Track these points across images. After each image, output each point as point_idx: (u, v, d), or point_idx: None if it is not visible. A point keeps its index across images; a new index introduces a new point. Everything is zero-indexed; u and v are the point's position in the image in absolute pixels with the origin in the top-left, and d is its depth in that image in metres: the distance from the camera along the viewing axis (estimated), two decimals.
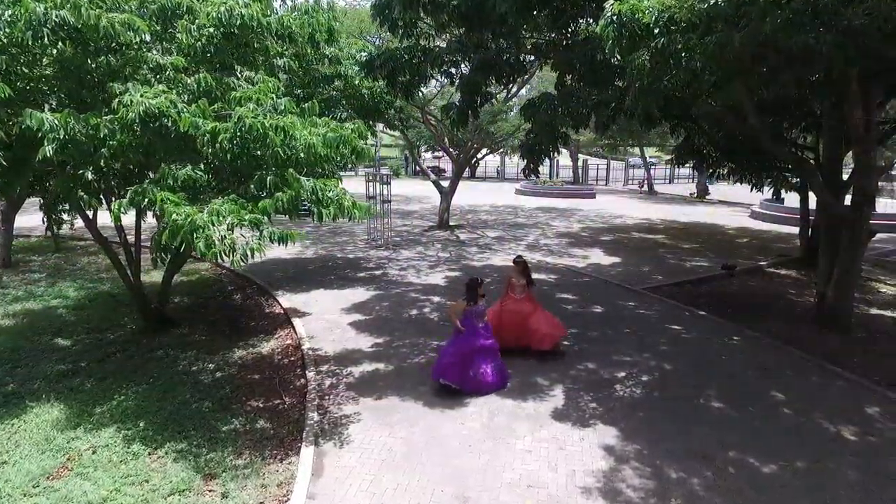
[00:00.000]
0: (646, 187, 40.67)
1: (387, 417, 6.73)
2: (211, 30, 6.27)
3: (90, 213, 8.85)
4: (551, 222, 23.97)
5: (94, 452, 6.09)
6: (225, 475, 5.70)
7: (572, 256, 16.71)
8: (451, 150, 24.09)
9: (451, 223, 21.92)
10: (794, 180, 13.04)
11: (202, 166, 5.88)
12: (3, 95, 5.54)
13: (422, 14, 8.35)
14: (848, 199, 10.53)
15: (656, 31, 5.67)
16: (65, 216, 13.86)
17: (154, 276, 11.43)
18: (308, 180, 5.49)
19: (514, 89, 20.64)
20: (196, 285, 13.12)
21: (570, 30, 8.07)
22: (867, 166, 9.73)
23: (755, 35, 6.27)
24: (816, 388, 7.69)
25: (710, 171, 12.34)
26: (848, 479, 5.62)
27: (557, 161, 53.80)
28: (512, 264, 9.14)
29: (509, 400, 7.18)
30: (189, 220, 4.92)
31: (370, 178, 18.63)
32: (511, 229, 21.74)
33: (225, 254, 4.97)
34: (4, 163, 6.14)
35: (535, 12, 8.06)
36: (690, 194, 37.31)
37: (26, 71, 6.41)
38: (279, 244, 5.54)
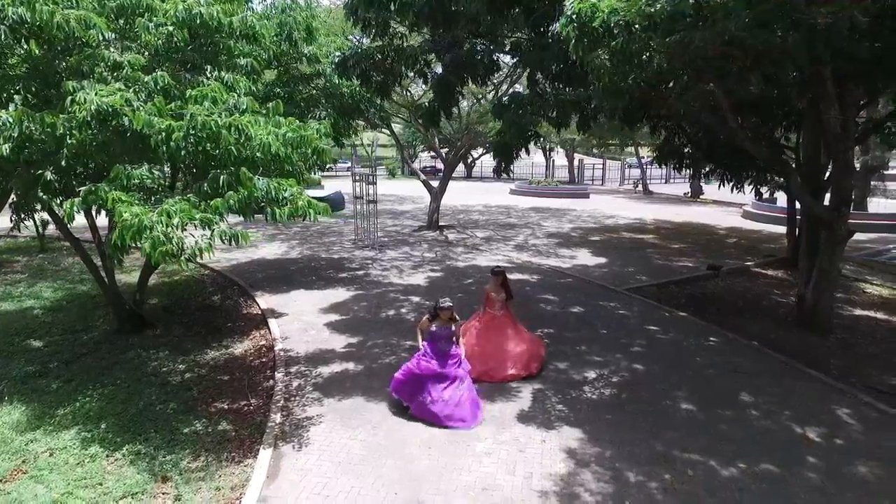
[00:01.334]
0: (640, 187, 40.65)
1: (350, 419, 6.67)
2: (171, 28, 6.21)
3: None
4: (542, 222, 23.92)
5: (50, 455, 6.03)
6: (179, 478, 5.65)
7: (559, 257, 16.65)
8: (441, 149, 24.07)
9: (440, 223, 21.84)
10: (779, 180, 12.98)
11: (161, 167, 5.82)
12: None
13: (391, 13, 8.28)
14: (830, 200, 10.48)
15: (616, 31, 5.61)
16: (36, 216, 13.86)
17: (133, 277, 11.38)
18: (262, 180, 5.43)
19: (505, 87, 20.56)
20: (177, 286, 13.06)
21: (542, 29, 8.01)
22: (844, 167, 9.66)
23: (719, 34, 6.22)
24: (788, 391, 7.62)
25: (692, 171, 12.24)
26: (808, 482, 5.55)
27: (554, 161, 54.00)
28: (490, 276, 8.20)
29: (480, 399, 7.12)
30: (138, 219, 4.87)
31: (357, 178, 18.53)
32: (501, 230, 21.68)
33: (172, 254, 4.91)
34: None
35: (506, 11, 8.01)
36: (685, 194, 37.26)
37: None
38: (230, 244, 5.48)
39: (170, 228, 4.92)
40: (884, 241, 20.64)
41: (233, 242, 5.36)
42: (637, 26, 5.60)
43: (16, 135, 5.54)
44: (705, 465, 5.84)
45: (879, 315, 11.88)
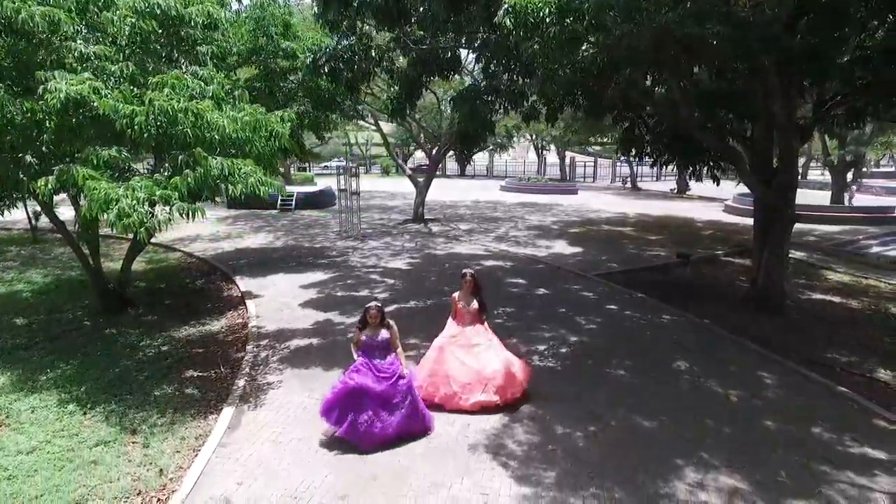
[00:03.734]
0: (629, 184, 41.24)
1: (309, 383, 7.20)
2: (134, 20, 6.73)
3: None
4: (527, 216, 24.44)
5: (32, 412, 6.56)
6: (148, 430, 6.18)
7: (536, 247, 17.18)
8: (426, 146, 24.63)
9: (426, 217, 22.37)
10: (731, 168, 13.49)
11: (131, 150, 6.34)
12: None
13: (354, 12, 8.80)
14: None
15: (548, 20, 6.14)
16: (29, 209, 14.48)
17: (119, 264, 11.90)
18: (217, 160, 5.94)
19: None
20: (162, 272, 13.60)
21: (495, 23, 8.53)
22: (789, 155, 10.20)
23: (650, 27, 6.74)
24: (723, 361, 8.15)
25: (652, 160, 12.78)
26: (721, 434, 6.09)
27: (545, 160, 54.58)
28: (461, 281, 6.85)
29: None
30: (105, 193, 5.40)
31: (340, 171, 19.09)
32: (485, 223, 22.20)
33: (135, 225, 5.44)
34: None
35: (465, 8, 8.55)
36: (671, 190, 37.82)
37: None
38: (187, 218, 5.96)
39: (134, 202, 5.44)
40: (855, 232, 21.24)
41: (190, 216, 5.84)
42: (569, 19, 6.13)
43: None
44: (629, 419, 6.38)
45: (835, 299, 12.43)
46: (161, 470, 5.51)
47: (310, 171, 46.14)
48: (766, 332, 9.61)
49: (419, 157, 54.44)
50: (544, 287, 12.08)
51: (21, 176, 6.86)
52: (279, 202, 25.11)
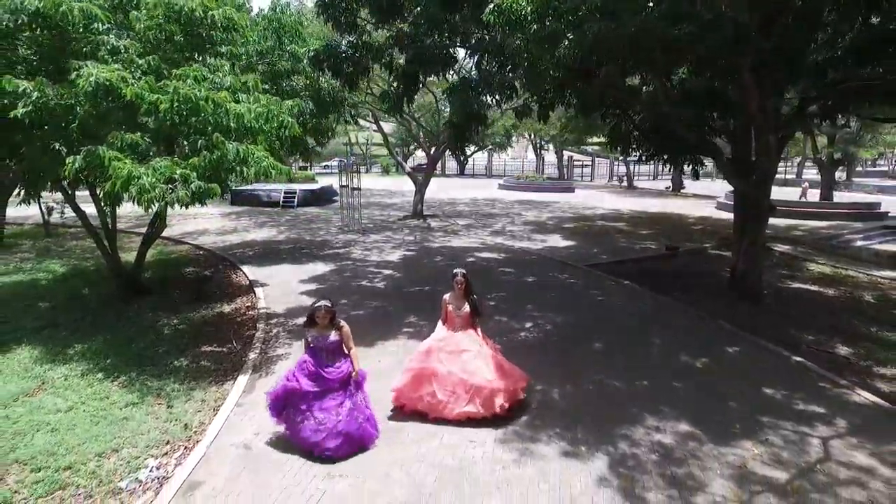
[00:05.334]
0: (626, 182, 41.95)
1: None
2: (160, 20, 7.41)
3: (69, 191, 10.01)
4: (524, 213, 25.13)
5: (65, 379, 7.23)
6: (173, 394, 6.86)
7: (531, 240, 17.86)
8: (425, 144, 25.32)
9: (425, 213, 23.05)
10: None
11: (153, 136, 7.02)
12: None
13: (354, 7, 9.46)
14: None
15: (530, 18, 6.81)
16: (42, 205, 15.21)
17: (132, 257, 12.58)
18: (233, 144, 6.62)
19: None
20: (172, 263, 14.29)
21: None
22: (766, 149, 10.86)
23: (626, 28, 7.42)
24: (695, 337, 8.83)
25: (639, 156, 13.45)
26: (680, 393, 6.79)
27: (544, 159, 55.29)
28: (451, 281, 6.39)
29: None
30: (127, 170, 6.08)
31: (343, 168, 19.79)
32: (482, 219, 22.88)
33: (156, 199, 6.11)
34: None
35: (459, 7, 9.23)
36: (666, 188, 38.57)
37: (7, 54, 7.55)
38: (200, 204, 6.64)
39: (154, 179, 6.12)
40: (841, 227, 21.92)
41: (201, 201, 6.50)
42: (549, 18, 6.79)
43: (34, 99, 6.66)
44: (601, 380, 7.08)
45: (813, 288, 13.10)
46: (186, 425, 6.18)
47: (310, 169, 46.83)
48: (741, 315, 10.26)
49: (419, 156, 55.22)
50: (534, 275, 12.76)
51: (50, 162, 7.50)
52: (281, 199, 25.83)
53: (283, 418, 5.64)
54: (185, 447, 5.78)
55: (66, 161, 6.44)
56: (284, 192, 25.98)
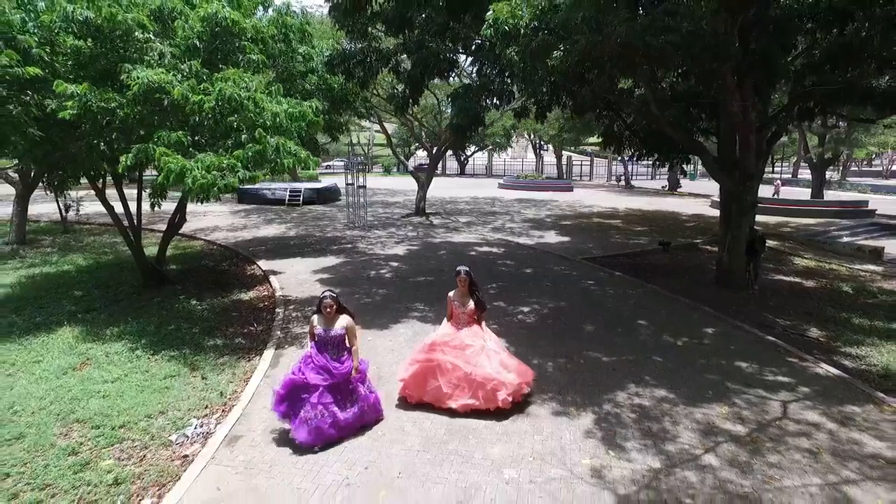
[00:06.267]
0: (623, 181, 42.75)
1: None
2: (199, 28, 8.21)
3: (99, 184, 10.79)
4: (523, 211, 25.93)
5: (107, 356, 8.01)
6: (206, 367, 7.64)
7: (529, 236, 18.65)
8: (427, 144, 26.12)
9: (427, 211, 23.84)
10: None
11: (188, 133, 7.82)
12: (34, 74, 7.50)
13: (367, 20, 10.29)
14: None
15: (522, 32, 7.57)
16: (60, 202, 16.06)
17: (151, 251, 13.37)
18: (274, 138, 7.44)
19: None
20: (189, 256, 15.07)
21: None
22: (747, 148, 11.65)
23: (612, 39, 8.20)
24: (678, 320, 9.62)
25: (631, 155, 14.24)
26: (660, 366, 7.60)
27: (543, 159, 56.10)
28: (455, 279, 6.49)
29: (431, 325, 9.11)
30: (180, 165, 6.88)
31: (349, 167, 20.58)
32: (482, 216, 23.68)
33: (206, 187, 6.91)
34: (37, 137, 8.09)
35: (461, 17, 10.03)
36: (662, 187, 39.36)
37: (55, 60, 8.33)
38: (246, 183, 7.46)
39: (203, 171, 6.92)
40: (829, 224, 22.74)
41: (249, 181, 7.34)
42: (542, 32, 7.57)
43: (81, 102, 7.45)
44: (593, 357, 7.87)
45: (796, 280, 13.88)
46: (221, 392, 6.97)
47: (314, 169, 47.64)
48: (724, 303, 11.05)
49: (419, 156, 56.05)
50: (531, 267, 13.55)
51: (96, 158, 8.30)
52: (287, 197, 26.62)
53: (289, 414, 5.62)
54: (223, 410, 6.57)
55: (122, 158, 7.21)
56: (290, 191, 26.78)
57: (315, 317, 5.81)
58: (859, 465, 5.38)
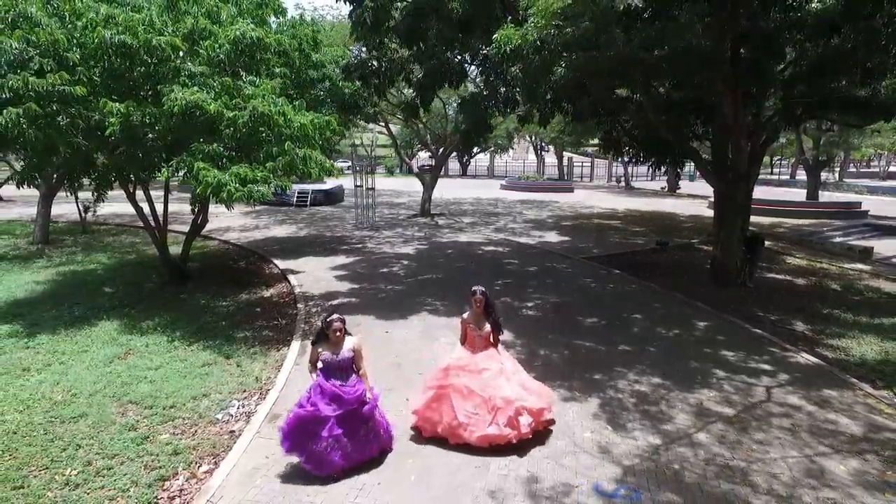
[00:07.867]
0: (623, 182, 43.43)
1: (353, 328, 9.31)
2: (227, 46, 8.90)
3: (131, 188, 11.49)
4: (525, 211, 26.62)
5: (146, 346, 8.70)
6: (240, 356, 8.34)
7: (530, 236, 19.35)
8: (432, 146, 26.81)
9: (432, 212, 24.52)
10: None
11: (221, 145, 8.52)
12: (81, 93, 8.21)
13: (384, 34, 11.02)
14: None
15: (524, 52, 8.28)
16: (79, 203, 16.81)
17: (175, 250, 14.06)
18: (302, 149, 8.15)
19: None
20: (207, 256, 15.77)
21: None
22: (738, 150, 12.35)
23: (609, 55, 8.90)
24: (672, 314, 10.33)
25: (628, 158, 14.95)
26: (654, 356, 8.31)
27: (544, 160, 56.80)
28: (470, 299, 6.06)
29: (443, 318, 9.80)
30: (216, 179, 7.57)
31: (357, 169, 21.29)
32: (486, 217, 24.37)
33: (245, 197, 7.61)
34: (84, 147, 8.80)
35: (472, 31, 10.76)
36: (662, 189, 40.02)
37: (94, 78, 9.03)
38: (279, 192, 8.15)
39: (238, 184, 7.61)
40: (822, 225, 23.41)
41: (282, 191, 8.03)
42: (545, 51, 8.27)
43: (124, 119, 8.16)
44: (591, 347, 8.60)
45: (787, 277, 14.55)
46: (256, 378, 7.67)
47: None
48: (716, 299, 11.71)
49: (421, 157, 56.76)
50: (534, 265, 14.26)
51: (136, 167, 9.01)
52: (295, 199, 27.28)
53: (298, 449, 5.34)
54: (260, 394, 7.26)
55: (164, 169, 7.93)
56: (298, 193, 27.42)
57: (316, 345, 5.53)
58: (832, 441, 6.08)
